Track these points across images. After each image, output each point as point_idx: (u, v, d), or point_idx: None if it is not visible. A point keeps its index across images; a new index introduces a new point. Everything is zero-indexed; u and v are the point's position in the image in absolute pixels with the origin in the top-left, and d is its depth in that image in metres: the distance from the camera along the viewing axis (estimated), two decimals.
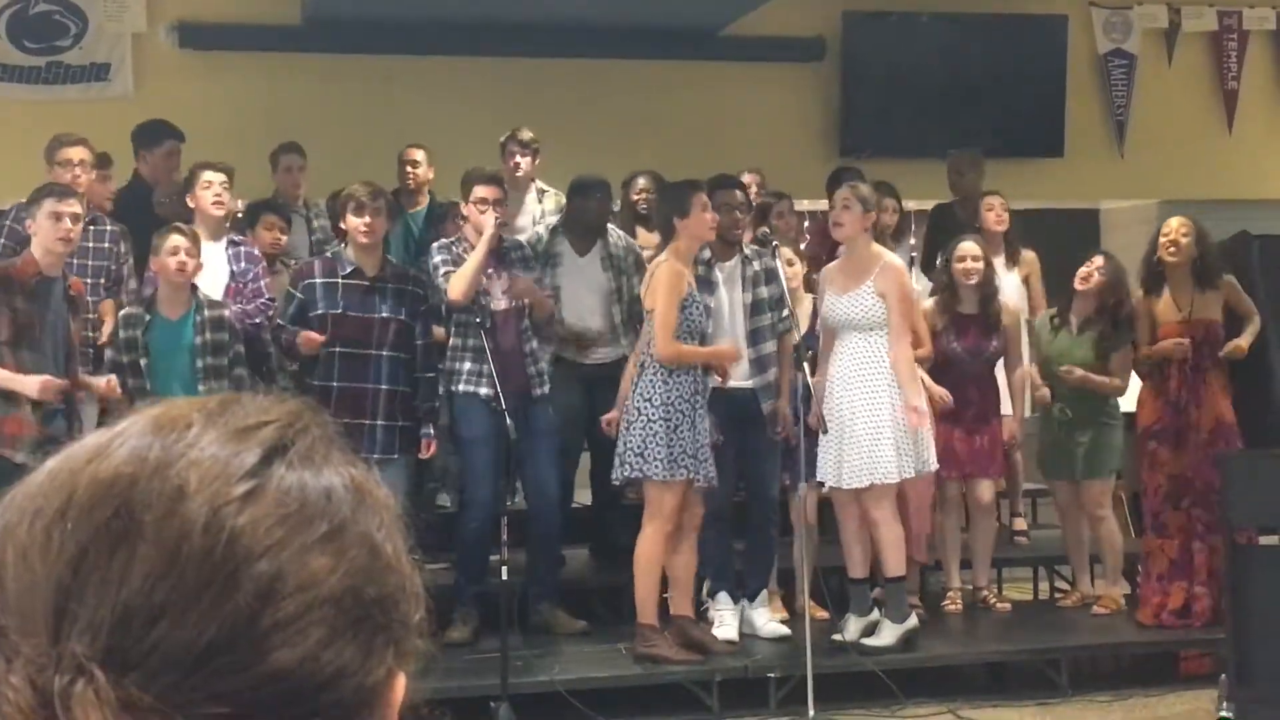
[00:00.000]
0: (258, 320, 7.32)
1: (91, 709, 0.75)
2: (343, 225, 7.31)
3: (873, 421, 7.06)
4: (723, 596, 7.46)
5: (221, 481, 0.81)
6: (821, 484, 7.29)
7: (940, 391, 7.74)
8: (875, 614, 7.38)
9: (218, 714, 0.76)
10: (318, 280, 7.13)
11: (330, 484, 0.84)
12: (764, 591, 7.62)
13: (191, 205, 7.54)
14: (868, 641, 7.23)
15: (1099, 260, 8.11)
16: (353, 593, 0.81)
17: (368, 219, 7.06)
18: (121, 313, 6.98)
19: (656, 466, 6.85)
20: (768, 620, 7.53)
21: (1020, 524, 9.31)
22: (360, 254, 7.15)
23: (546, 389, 7.54)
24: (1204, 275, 7.83)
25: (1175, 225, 7.91)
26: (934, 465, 7.35)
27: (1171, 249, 7.83)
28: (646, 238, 8.28)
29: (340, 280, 7.12)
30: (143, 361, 6.77)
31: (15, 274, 6.52)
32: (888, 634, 7.23)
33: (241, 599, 0.78)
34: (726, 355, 7.12)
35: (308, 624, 0.79)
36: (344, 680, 0.80)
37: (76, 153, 7.59)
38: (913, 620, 7.31)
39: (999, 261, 8.56)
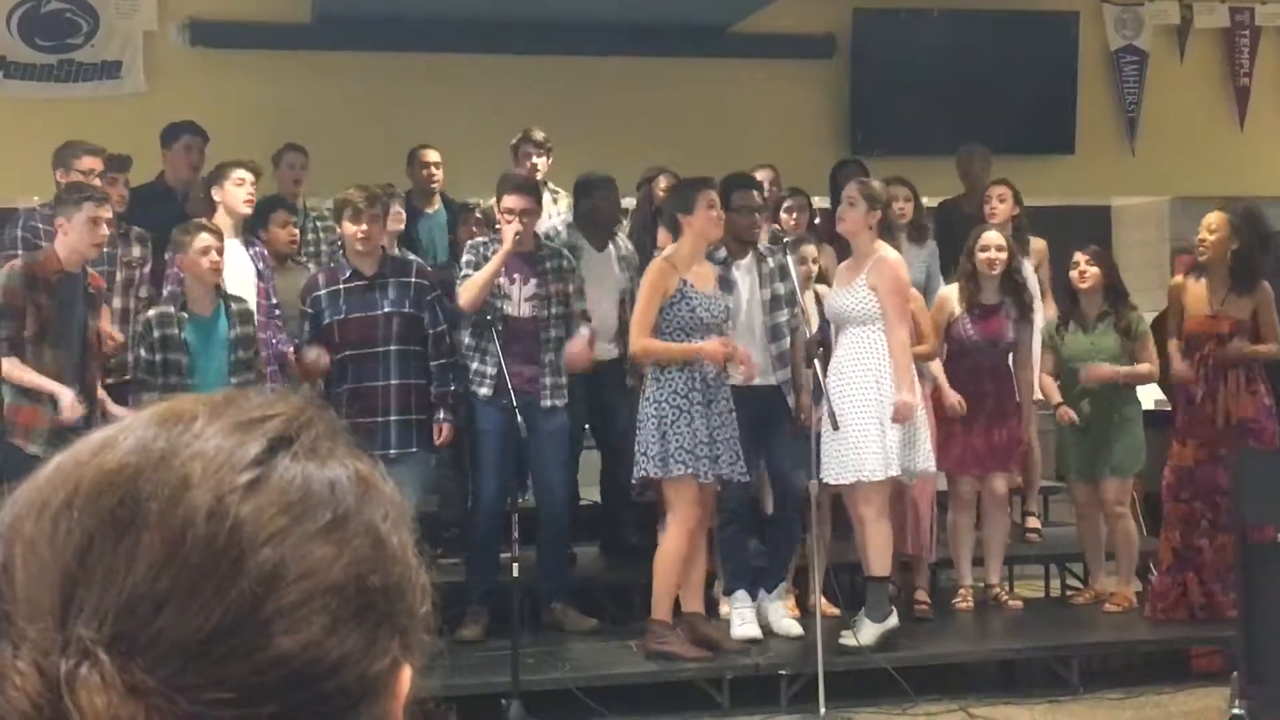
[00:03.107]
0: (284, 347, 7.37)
1: (96, 693, 0.76)
2: (340, 231, 7.33)
3: (860, 417, 7.02)
4: (741, 595, 7.41)
5: (226, 471, 0.81)
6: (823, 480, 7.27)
7: (956, 399, 7.71)
8: (893, 619, 7.30)
9: (221, 699, 0.77)
10: (322, 292, 7.18)
11: (335, 475, 0.85)
12: (781, 585, 7.60)
13: (217, 199, 7.54)
14: (844, 641, 7.13)
15: (1082, 256, 8.07)
16: (356, 582, 0.82)
17: (365, 226, 7.07)
18: (152, 312, 6.95)
19: (653, 464, 6.86)
20: (783, 616, 7.52)
21: (1033, 521, 9.27)
22: (357, 257, 7.18)
23: (560, 404, 7.47)
24: (1239, 275, 7.76)
25: (1205, 222, 7.88)
26: (931, 468, 7.31)
27: (1199, 247, 7.83)
28: (666, 236, 8.28)
29: (341, 286, 7.16)
30: (184, 360, 6.79)
31: (39, 270, 6.55)
32: (866, 633, 7.17)
33: (245, 586, 0.78)
34: (709, 352, 6.92)
35: (310, 611, 0.79)
36: (347, 668, 0.81)
37: (94, 163, 7.55)
38: (892, 620, 7.23)
39: None
